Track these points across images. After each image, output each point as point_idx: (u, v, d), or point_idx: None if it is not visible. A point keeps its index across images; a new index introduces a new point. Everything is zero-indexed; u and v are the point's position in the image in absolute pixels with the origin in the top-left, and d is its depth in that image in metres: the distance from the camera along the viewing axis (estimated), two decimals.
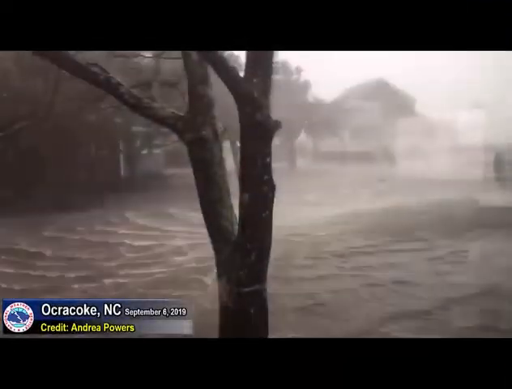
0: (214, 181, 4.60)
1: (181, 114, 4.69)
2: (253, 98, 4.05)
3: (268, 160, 4.22)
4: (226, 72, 4.00)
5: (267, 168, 4.22)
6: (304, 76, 30.13)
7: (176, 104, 4.80)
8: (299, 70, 29.94)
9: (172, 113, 4.70)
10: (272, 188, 4.26)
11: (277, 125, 4.23)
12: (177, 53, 4.98)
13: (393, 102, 35.62)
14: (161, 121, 4.74)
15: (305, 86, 30.47)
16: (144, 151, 23.96)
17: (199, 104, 4.62)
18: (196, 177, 4.70)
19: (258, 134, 4.14)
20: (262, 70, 4.08)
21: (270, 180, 4.24)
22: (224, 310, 4.57)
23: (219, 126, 4.75)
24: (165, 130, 5.06)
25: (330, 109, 30.77)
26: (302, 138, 33.07)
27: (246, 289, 4.36)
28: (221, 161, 4.71)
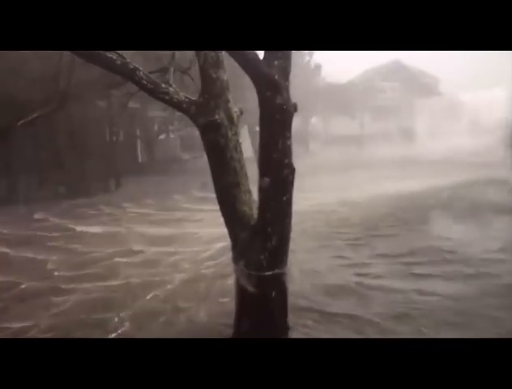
0: (230, 166, 4.56)
1: (194, 99, 4.65)
2: (274, 81, 4.01)
3: (289, 143, 4.18)
4: (244, 56, 3.94)
5: (288, 152, 4.19)
6: (318, 58, 29.76)
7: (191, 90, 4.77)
8: (311, 53, 29.56)
9: (186, 97, 4.67)
10: (292, 171, 4.24)
11: (295, 107, 4.19)
12: None
13: (412, 82, 35.08)
14: (176, 105, 4.71)
15: (319, 68, 30.15)
16: (162, 136, 24.03)
17: (212, 88, 4.55)
18: (210, 162, 4.67)
19: (279, 117, 4.10)
20: (282, 52, 4.03)
21: (290, 163, 4.21)
22: (242, 294, 4.57)
23: (235, 109, 4.69)
24: (181, 114, 5.02)
25: (347, 90, 30.36)
26: (316, 120, 32.77)
27: (267, 273, 4.36)
28: (237, 145, 4.65)
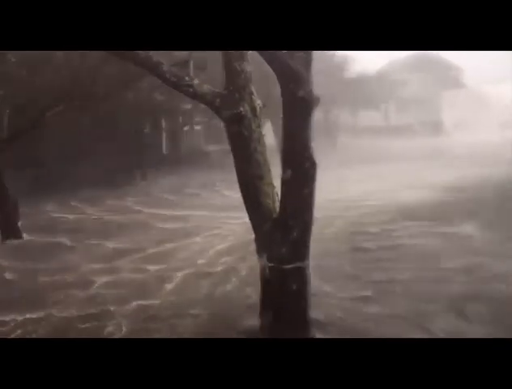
0: (253, 158, 4.58)
1: (219, 91, 4.67)
2: (297, 73, 4.01)
3: (310, 136, 4.20)
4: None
5: (309, 145, 4.20)
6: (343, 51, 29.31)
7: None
8: None
9: (210, 89, 4.69)
10: (313, 164, 4.24)
11: (317, 100, 4.19)
12: None
13: (438, 74, 34.48)
14: (200, 98, 4.74)
15: (344, 60, 29.76)
16: (186, 128, 24.15)
17: (236, 80, 4.56)
18: (234, 154, 4.69)
19: (301, 109, 4.11)
20: None
21: (311, 156, 4.22)
22: (266, 287, 4.60)
23: (258, 102, 4.70)
24: (204, 106, 5.04)
25: (373, 83, 29.99)
26: (341, 113, 32.46)
27: (288, 266, 4.38)
28: (260, 138, 4.67)
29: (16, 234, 9.52)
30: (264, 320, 4.63)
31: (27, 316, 5.62)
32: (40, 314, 5.70)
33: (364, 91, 28.77)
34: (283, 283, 4.42)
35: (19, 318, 5.59)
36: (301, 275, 4.46)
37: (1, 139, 9.91)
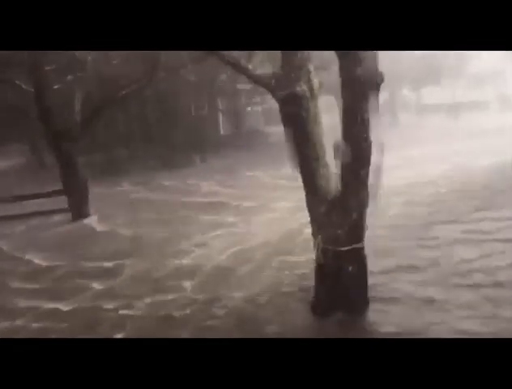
0: (309, 139, 4.50)
1: (275, 72, 4.63)
2: (354, 51, 3.89)
3: (368, 116, 4.05)
4: None
5: (367, 125, 4.08)
6: None
7: None
8: None
9: (266, 72, 4.71)
10: (369, 145, 4.12)
11: (381, 79, 4.04)
12: None
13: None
14: (256, 79, 4.77)
15: None
16: (248, 109, 24.17)
17: (293, 59, 4.48)
18: (290, 135, 4.62)
19: (358, 89, 3.99)
20: None
21: (368, 137, 4.10)
22: (320, 268, 4.58)
23: (316, 81, 4.61)
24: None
25: (439, 58, 28.80)
26: (406, 90, 31.44)
27: (344, 248, 4.34)
28: (317, 118, 4.58)
29: (84, 214, 10.07)
30: (318, 303, 4.62)
31: None
32: None
33: (430, 67, 27.71)
34: (339, 265, 4.39)
35: None
36: (358, 257, 4.42)
37: (75, 123, 10.23)
